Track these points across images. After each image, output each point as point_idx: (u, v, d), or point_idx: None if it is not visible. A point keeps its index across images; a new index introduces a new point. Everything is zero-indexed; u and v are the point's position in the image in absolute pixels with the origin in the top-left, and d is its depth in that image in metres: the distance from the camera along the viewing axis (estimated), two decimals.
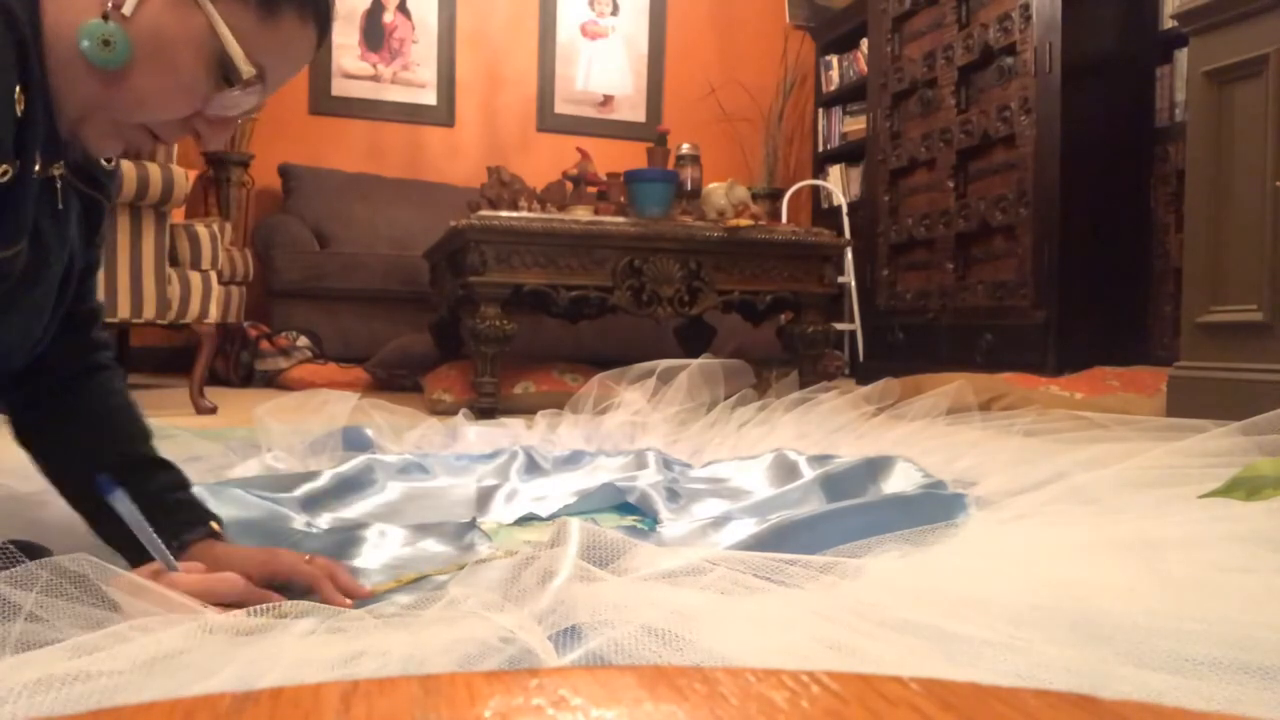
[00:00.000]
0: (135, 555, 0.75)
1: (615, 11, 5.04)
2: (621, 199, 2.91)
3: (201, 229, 3.52)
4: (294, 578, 0.79)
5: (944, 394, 2.04)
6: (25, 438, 0.88)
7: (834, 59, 5.04)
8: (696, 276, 2.75)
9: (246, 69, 0.71)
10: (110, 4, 0.67)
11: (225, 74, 0.72)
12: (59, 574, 0.58)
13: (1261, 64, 1.95)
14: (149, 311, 2.50)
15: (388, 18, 4.68)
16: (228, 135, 0.79)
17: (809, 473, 1.40)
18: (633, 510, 1.32)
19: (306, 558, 0.82)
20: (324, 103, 4.57)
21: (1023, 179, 3.22)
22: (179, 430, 1.61)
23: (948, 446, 1.64)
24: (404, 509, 1.32)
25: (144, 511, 0.71)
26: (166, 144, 0.78)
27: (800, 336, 2.92)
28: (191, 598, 0.67)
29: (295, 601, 0.68)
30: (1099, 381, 2.59)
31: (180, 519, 0.82)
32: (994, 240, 3.41)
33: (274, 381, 3.60)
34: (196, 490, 0.90)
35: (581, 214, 2.76)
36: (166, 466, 0.87)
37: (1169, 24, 3.01)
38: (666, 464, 1.63)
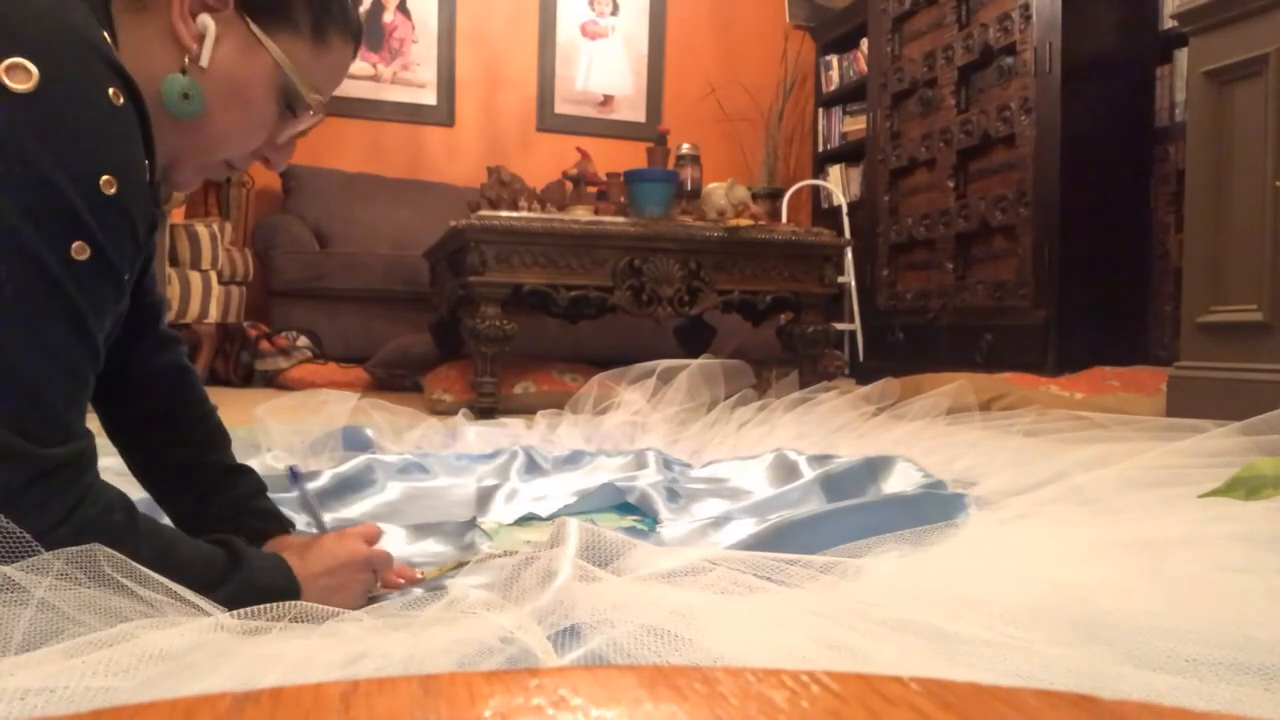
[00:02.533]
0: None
1: (615, 11, 5.04)
2: (621, 199, 2.91)
3: (202, 229, 3.52)
4: (371, 558, 0.86)
5: (944, 394, 2.05)
6: (118, 435, 0.93)
7: (834, 59, 5.04)
8: (696, 276, 2.75)
9: (312, 97, 0.80)
10: (188, 58, 0.73)
11: (290, 103, 0.79)
12: (71, 564, 0.59)
13: (1261, 64, 1.95)
14: None
15: (388, 18, 4.68)
16: (291, 156, 0.87)
17: (809, 473, 1.40)
18: (633, 510, 1.33)
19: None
20: None
21: (1023, 179, 3.22)
22: None
23: (948, 446, 1.64)
24: (404, 509, 1.32)
25: (233, 515, 0.88)
26: (242, 171, 0.88)
27: (800, 336, 2.92)
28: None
29: (300, 601, 0.68)
30: (1099, 381, 2.59)
31: (268, 525, 0.93)
32: (994, 240, 3.41)
33: (274, 381, 3.60)
34: None
35: (581, 214, 2.76)
36: (248, 473, 0.96)
37: (1169, 24, 3.01)
38: (666, 464, 1.63)
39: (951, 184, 3.60)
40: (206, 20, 0.74)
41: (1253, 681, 0.57)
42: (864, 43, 4.45)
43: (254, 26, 0.76)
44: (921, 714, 0.26)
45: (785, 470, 1.49)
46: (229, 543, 0.73)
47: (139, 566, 0.61)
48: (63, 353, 0.61)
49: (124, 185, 0.63)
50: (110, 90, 0.63)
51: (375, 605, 0.80)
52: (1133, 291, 3.15)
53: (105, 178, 0.61)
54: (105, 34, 0.66)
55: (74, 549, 0.58)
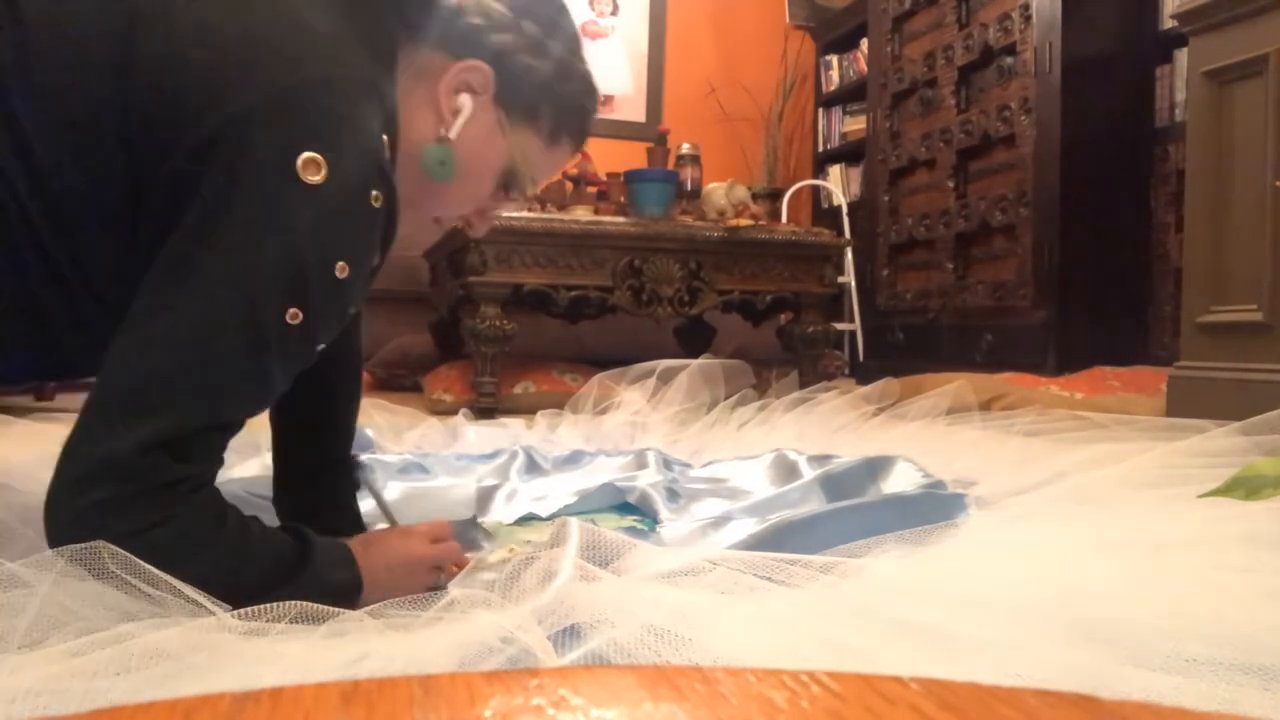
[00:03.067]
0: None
1: (615, 11, 5.04)
2: (621, 199, 2.91)
3: None
4: (437, 557, 0.90)
5: (944, 394, 2.05)
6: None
7: (834, 59, 5.04)
8: (696, 276, 2.75)
9: (531, 189, 0.92)
10: (444, 129, 0.84)
11: (508, 186, 0.91)
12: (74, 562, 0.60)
13: (1261, 64, 1.95)
14: None
15: None
16: (491, 226, 0.98)
17: (809, 473, 1.40)
18: (633, 510, 1.32)
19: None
20: None
21: (1023, 179, 3.22)
22: None
23: (948, 446, 1.64)
24: (404, 509, 1.32)
25: (326, 507, 1.01)
26: (445, 228, 0.97)
27: (800, 336, 2.92)
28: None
29: (300, 601, 0.68)
30: (1099, 381, 2.59)
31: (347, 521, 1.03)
32: (994, 240, 3.41)
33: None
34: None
35: (581, 214, 2.76)
36: (356, 469, 1.08)
37: (1169, 24, 3.01)
38: (666, 464, 1.63)
39: (951, 184, 3.60)
40: (466, 100, 0.85)
41: (1253, 681, 0.57)
42: (864, 43, 4.45)
43: (502, 115, 0.87)
44: (921, 714, 0.26)
45: (785, 470, 1.49)
46: (301, 536, 0.75)
47: (143, 564, 0.61)
48: (238, 396, 0.68)
49: (354, 272, 0.72)
50: (374, 193, 0.72)
51: (376, 606, 0.80)
52: (1133, 291, 3.15)
53: (341, 264, 0.70)
54: (385, 117, 0.76)
55: (78, 546, 0.60)
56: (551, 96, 0.89)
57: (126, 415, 0.63)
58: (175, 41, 0.69)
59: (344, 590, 0.74)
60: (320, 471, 1.04)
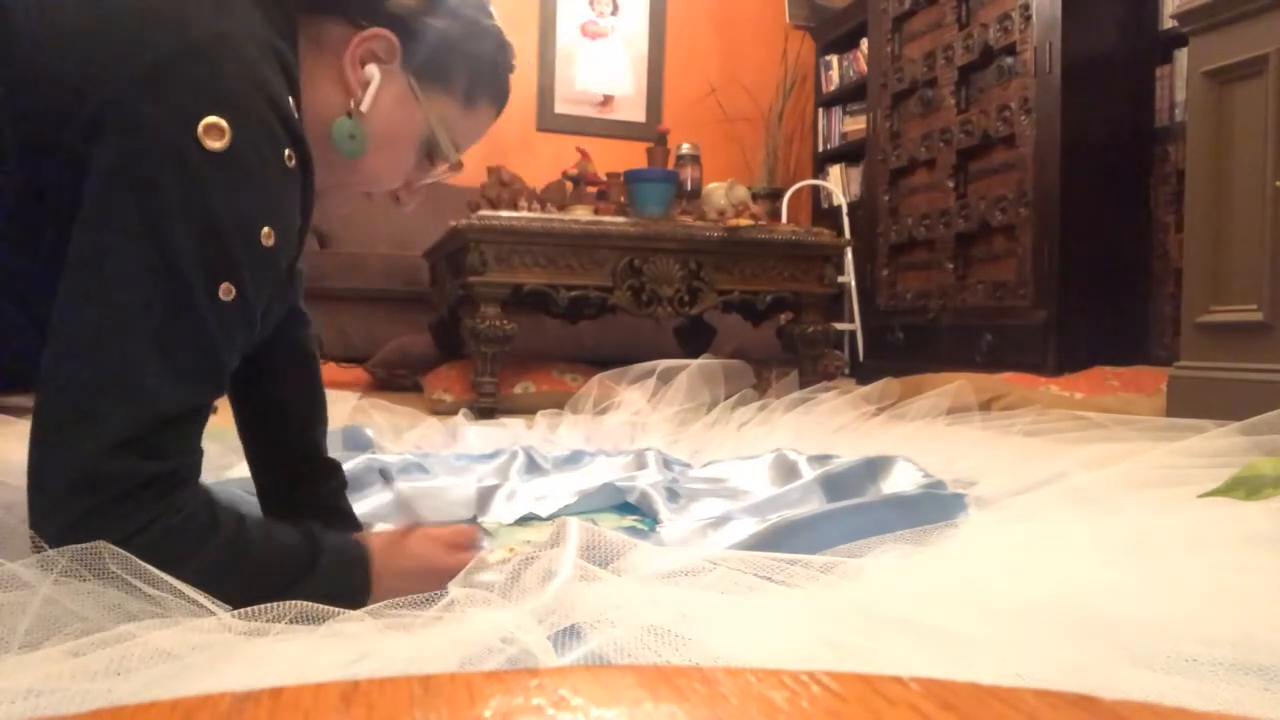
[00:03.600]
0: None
1: (615, 11, 5.04)
2: (621, 199, 2.91)
3: None
4: (455, 568, 0.90)
5: (944, 394, 2.05)
6: (234, 392, 1.02)
7: (834, 59, 5.04)
8: (696, 276, 2.75)
9: (454, 155, 0.88)
10: (352, 102, 0.81)
11: (431, 155, 0.88)
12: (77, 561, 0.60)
13: (1261, 64, 1.95)
14: None
15: None
16: (421, 199, 0.96)
17: (809, 473, 1.40)
18: (633, 510, 1.33)
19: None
20: None
21: (1023, 179, 3.22)
22: None
23: (948, 446, 1.64)
24: (404, 509, 1.32)
25: (315, 513, 0.94)
26: (370, 202, 0.91)
27: (800, 336, 2.92)
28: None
29: (300, 601, 0.68)
30: (1099, 381, 2.59)
31: (345, 527, 1.01)
32: (994, 240, 3.41)
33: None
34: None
35: (581, 214, 2.76)
36: (336, 470, 1.05)
37: (1169, 24, 3.01)
38: (666, 464, 1.63)
39: (951, 184, 3.60)
40: (374, 70, 0.81)
41: (1253, 681, 0.57)
42: (864, 43, 4.45)
43: (414, 83, 0.84)
44: (921, 714, 0.26)
45: (785, 470, 1.49)
46: (309, 535, 0.74)
47: (143, 564, 0.61)
48: (189, 380, 0.65)
49: (279, 238, 0.69)
50: (286, 152, 0.69)
51: (377, 605, 0.79)
52: (1133, 291, 3.15)
53: (266, 230, 0.68)
54: (288, 78, 0.73)
55: (80, 546, 0.59)
56: (463, 58, 0.86)
57: (78, 426, 0.61)
58: (50, 20, 0.65)
59: (350, 594, 0.72)
60: (297, 481, 1.02)
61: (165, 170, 0.63)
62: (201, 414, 0.68)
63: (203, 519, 0.66)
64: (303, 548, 0.72)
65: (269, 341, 0.90)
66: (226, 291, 0.66)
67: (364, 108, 0.81)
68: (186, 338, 0.64)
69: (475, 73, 0.87)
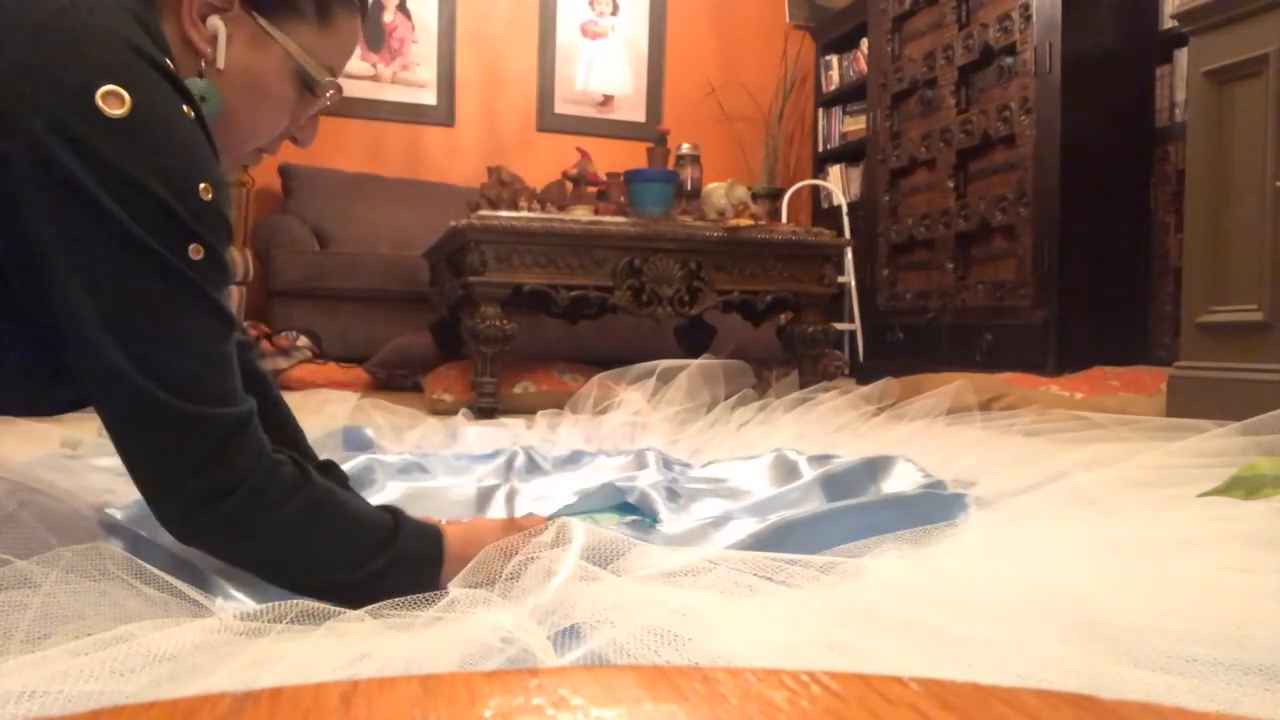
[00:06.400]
0: None
1: (615, 11, 5.04)
2: (621, 199, 2.91)
3: None
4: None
5: (944, 394, 2.04)
6: None
7: (834, 59, 5.03)
8: (696, 276, 2.75)
9: (324, 77, 0.83)
10: (204, 61, 0.77)
11: (306, 85, 0.83)
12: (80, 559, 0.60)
13: (1261, 64, 1.95)
14: None
15: (388, 17, 4.68)
16: (317, 131, 0.91)
17: (809, 473, 1.40)
18: (633, 510, 1.32)
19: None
20: None
21: (1023, 179, 3.22)
22: None
23: (948, 446, 1.64)
24: (404, 509, 1.32)
25: None
26: (273, 154, 0.91)
27: (800, 336, 2.92)
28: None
29: (300, 601, 0.68)
30: (1099, 381, 2.59)
31: None
32: (994, 240, 3.41)
33: (274, 381, 3.59)
34: None
35: (581, 214, 2.76)
36: (333, 468, 1.03)
37: (1169, 24, 3.01)
38: (666, 464, 1.63)
39: (951, 184, 3.60)
40: (216, 22, 0.77)
41: (1253, 681, 0.57)
42: (864, 43, 4.45)
43: (261, 20, 0.79)
44: (921, 714, 0.26)
45: (785, 470, 1.49)
46: (392, 509, 0.79)
47: (143, 564, 0.61)
48: (213, 332, 0.69)
49: (215, 190, 0.69)
50: (184, 107, 0.68)
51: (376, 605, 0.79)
52: (1133, 291, 3.15)
53: (203, 185, 0.67)
54: (156, 43, 0.71)
55: (81, 546, 0.61)
56: None
57: (165, 450, 0.66)
58: None
59: (429, 565, 0.78)
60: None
61: (76, 154, 0.62)
62: (234, 361, 0.71)
63: (290, 468, 0.71)
64: (385, 515, 0.77)
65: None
66: (196, 251, 0.67)
67: (220, 64, 0.78)
68: (190, 301, 0.67)
69: None
